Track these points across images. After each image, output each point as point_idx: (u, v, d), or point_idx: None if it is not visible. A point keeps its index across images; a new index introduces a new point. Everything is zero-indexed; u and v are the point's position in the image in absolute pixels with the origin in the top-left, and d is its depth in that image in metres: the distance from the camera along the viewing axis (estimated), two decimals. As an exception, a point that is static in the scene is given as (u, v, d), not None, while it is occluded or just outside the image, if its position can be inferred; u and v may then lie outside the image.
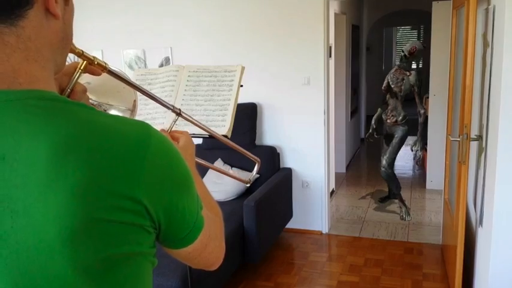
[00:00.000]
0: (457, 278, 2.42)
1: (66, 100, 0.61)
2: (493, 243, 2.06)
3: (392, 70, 4.18)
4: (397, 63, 4.35)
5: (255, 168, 1.43)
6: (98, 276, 0.56)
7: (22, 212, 0.52)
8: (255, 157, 1.39)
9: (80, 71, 0.74)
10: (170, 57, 3.91)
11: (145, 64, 3.99)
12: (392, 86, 4.08)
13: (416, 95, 4.13)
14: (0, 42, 0.55)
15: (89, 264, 0.54)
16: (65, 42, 0.65)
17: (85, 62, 0.74)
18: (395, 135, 4.25)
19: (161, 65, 3.91)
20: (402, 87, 4.05)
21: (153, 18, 3.87)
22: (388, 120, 4.26)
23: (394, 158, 4.28)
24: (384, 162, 4.26)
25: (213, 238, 0.75)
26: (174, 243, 0.68)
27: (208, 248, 0.74)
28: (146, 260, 0.63)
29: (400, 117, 4.16)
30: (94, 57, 0.76)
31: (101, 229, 0.55)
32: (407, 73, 4.10)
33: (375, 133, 4.38)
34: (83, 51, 0.73)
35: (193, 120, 1.10)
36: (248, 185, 1.42)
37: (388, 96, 4.23)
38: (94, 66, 0.76)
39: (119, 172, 0.56)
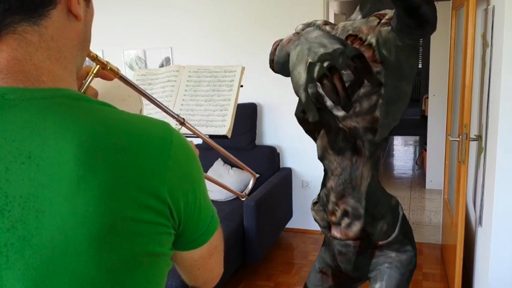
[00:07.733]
0: (456, 278, 2.43)
1: (90, 99, 0.60)
2: (492, 242, 2.06)
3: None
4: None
5: (251, 182, 1.42)
6: (121, 277, 0.55)
7: (49, 212, 0.51)
8: (253, 172, 1.38)
9: (92, 75, 0.74)
10: (170, 58, 3.92)
11: (145, 64, 4.00)
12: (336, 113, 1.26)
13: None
14: (23, 41, 0.55)
15: (114, 264, 0.54)
16: (85, 44, 0.65)
17: (98, 66, 0.74)
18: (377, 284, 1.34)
19: (161, 65, 3.92)
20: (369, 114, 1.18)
21: (154, 18, 3.88)
22: (338, 234, 1.31)
23: None
24: None
25: (219, 250, 0.75)
26: (185, 244, 0.67)
27: (212, 259, 0.73)
28: (165, 262, 0.63)
29: (384, 227, 1.29)
30: (107, 62, 0.76)
31: (127, 228, 0.54)
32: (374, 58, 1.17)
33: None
34: (97, 55, 0.73)
35: (195, 131, 1.09)
36: (243, 199, 1.41)
37: (320, 139, 1.33)
38: (106, 71, 0.76)
39: (145, 170, 0.56)
